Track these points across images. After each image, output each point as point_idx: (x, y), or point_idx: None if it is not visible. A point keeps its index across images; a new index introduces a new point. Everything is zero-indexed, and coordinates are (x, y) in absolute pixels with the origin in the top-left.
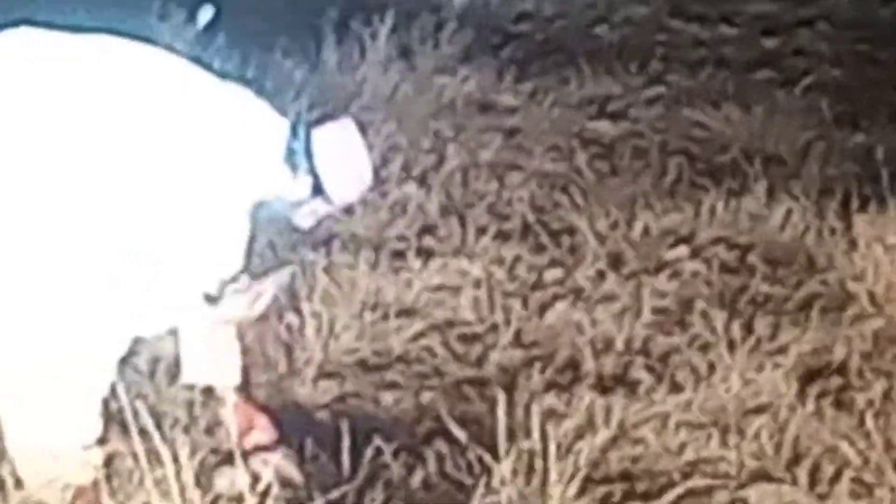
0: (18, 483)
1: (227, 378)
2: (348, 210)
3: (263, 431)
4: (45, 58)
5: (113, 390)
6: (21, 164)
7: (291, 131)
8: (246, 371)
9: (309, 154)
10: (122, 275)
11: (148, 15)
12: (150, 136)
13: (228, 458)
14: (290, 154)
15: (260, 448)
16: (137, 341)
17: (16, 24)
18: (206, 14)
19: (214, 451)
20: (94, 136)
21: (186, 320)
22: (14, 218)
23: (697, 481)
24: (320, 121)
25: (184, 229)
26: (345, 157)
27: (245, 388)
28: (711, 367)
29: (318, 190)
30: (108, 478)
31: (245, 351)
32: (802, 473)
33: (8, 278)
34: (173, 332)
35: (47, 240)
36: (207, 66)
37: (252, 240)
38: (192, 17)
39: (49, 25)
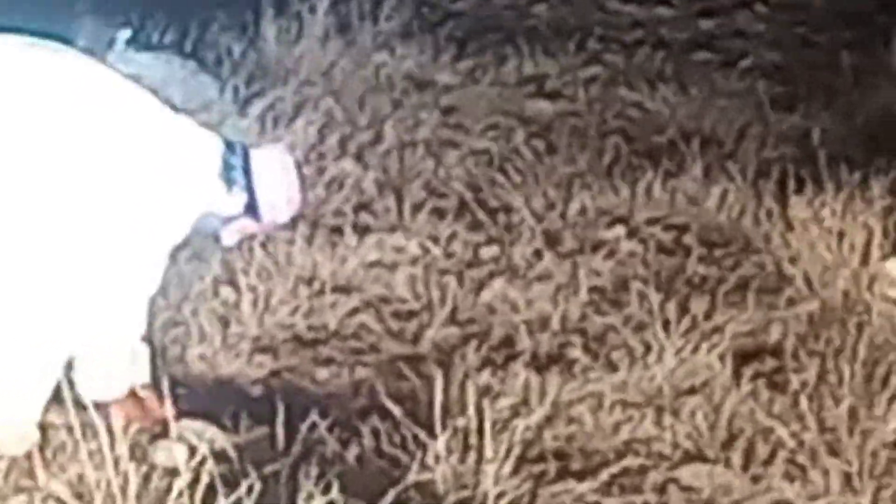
0: None
1: (118, 392)
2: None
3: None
4: None
5: None
6: None
7: (228, 147)
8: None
9: (247, 172)
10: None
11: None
12: (80, 150)
13: (164, 432)
14: (228, 169)
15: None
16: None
17: None
18: (122, 37)
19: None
20: (23, 145)
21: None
22: None
23: (631, 461)
24: (258, 94)
25: (112, 247)
26: (281, 179)
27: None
28: (647, 347)
29: (249, 208)
30: (42, 449)
31: (180, 323)
32: (736, 454)
33: None
34: None
35: None
36: (136, 78)
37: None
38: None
39: None
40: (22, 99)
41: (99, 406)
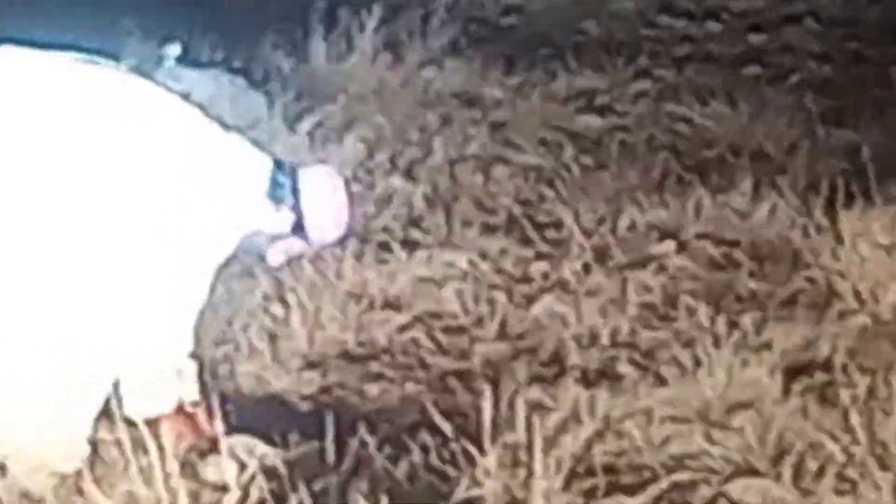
0: (3, 470)
1: (165, 407)
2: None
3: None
4: (29, 77)
5: None
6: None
7: (277, 166)
8: (203, 385)
9: (295, 191)
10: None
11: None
12: (127, 166)
13: (214, 447)
14: (276, 187)
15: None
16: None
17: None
18: (173, 51)
19: (200, 442)
20: (72, 161)
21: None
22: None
23: (681, 475)
24: (308, 110)
25: (159, 263)
26: (330, 199)
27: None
28: (697, 362)
29: (297, 228)
30: (93, 466)
31: (229, 340)
32: (786, 469)
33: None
34: None
35: (33, 263)
36: (185, 95)
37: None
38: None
39: (31, 44)
40: (71, 116)
41: (148, 423)
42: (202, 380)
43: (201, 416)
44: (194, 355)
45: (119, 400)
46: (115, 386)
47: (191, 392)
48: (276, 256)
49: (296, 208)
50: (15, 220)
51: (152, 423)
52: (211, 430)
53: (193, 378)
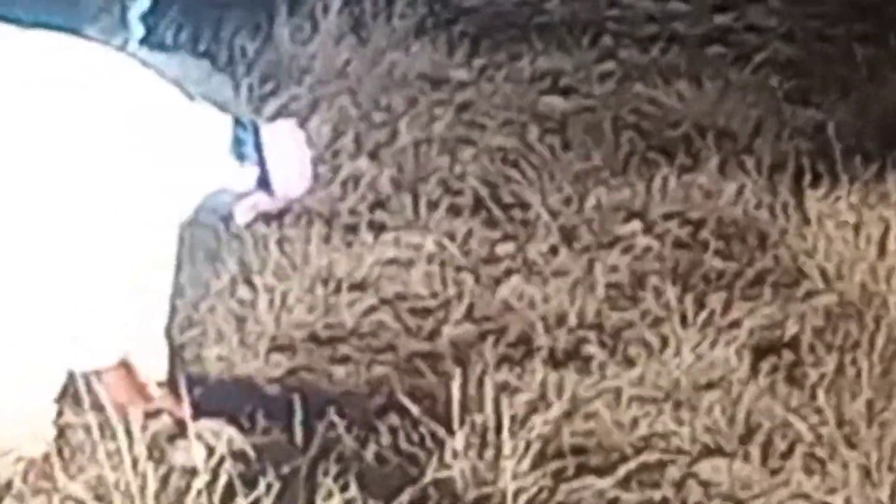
0: None
1: (104, 359)
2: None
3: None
4: None
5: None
6: None
7: (238, 124)
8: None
9: (258, 146)
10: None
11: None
12: (85, 129)
13: (182, 432)
14: (238, 144)
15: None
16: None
17: None
18: (140, 5)
19: (169, 426)
20: (35, 129)
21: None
22: None
23: (650, 456)
24: (273, 93)
25: (121, 222)
26: (292, 153)
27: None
28: (664, 342)
29: (262, 183)
30: (60, 450)
31: (196, 324)
32: (755, 448)
33: None
34: None
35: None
36: (144, 63)
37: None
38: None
39: None
40: (27, 83)
41: (92, 374)
42: (172, 361)
43: (167, 397)
44: (167, 334)
45: (85, 380)
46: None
47: (160, 371)
48: (243, 214)
49: (260, 163)
50: None
51: (95, 374)
52: (179, 412)
53: (164, 357)
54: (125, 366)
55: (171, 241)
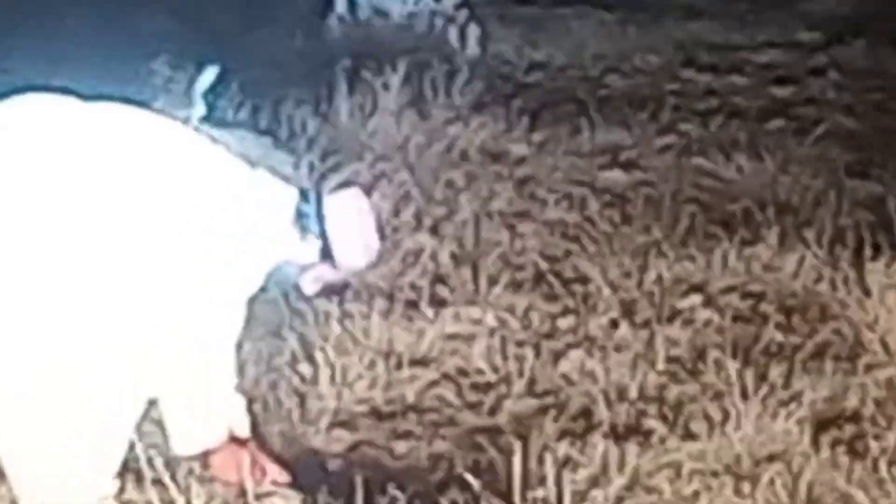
0: None
1: (215, 440)
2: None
3: (277, 475)
4: (53, 124)
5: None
6: (30, 225)
7: (302, 196)
8: (254, 420)
9: (320, 218)
10: (132, 340)
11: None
12: (156, 204)
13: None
14: (300, 217)
15: (274, 489)
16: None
17: (23, 90)
18: (209, 76)
19: (228, 500)
20: (103, 201)
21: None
22: (29, 278)
23: None
24: (333, 169)
25: (189, 298)
26: (355, 224)
27: (256, 436)
28: (725, 416)
29: (326, 254)
30: None
31: (258, 399)
32: None
33: (28, 339)
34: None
35: (62, 301)
36: (213, 138)
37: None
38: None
39: (59, 91)
40: (102, 156)
41: (199, 458)
42: (252, 413)
43: (255, 451)
44: (240, 389)
45: (147, 456)
46: (134, 441)
47: (242, 427)
48: (309, 285)
49: (322, 235)
50: (54, 260)
51: (202, 457)
52: (264, 467)
53: (243, 412)
54: (236, 441)
55: (241, 313)
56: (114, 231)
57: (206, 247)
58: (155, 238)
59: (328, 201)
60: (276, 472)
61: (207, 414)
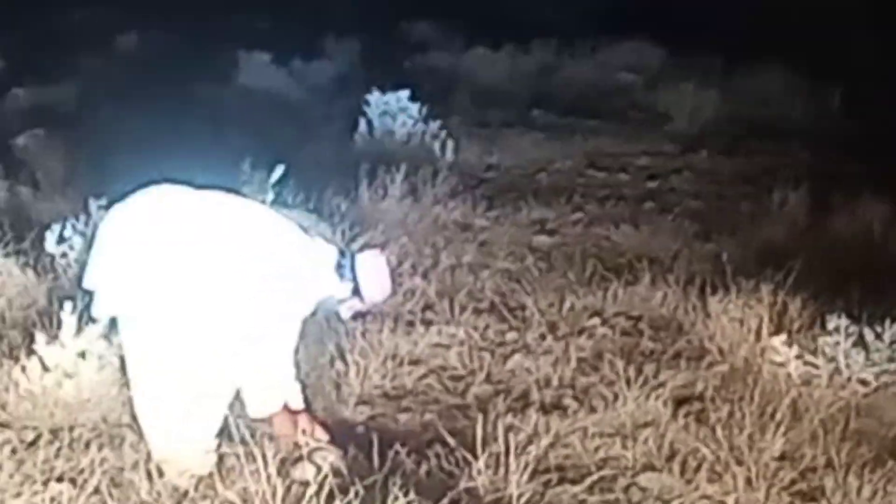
0: (160, 472)
1: (276, 408)
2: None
3: (321, 434)
4: (185, 202)
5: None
6: (169, 277)
7: (340, 253)
8: (306, 399)
9: (353, 269)
10: (230, 344)
11: (241, 173)
12: (251, 255)
13: (300, 458)
14: (339, 268)
15: (320, 445)
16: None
17: (158, 181)
18: (278, 172)
19: (291, 453)
20: (219, 254)
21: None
22: (177, 303)
23: (607, 472)
24: (357, 235)
25: (267, 318)
26: (376, 274)
27: (307, 409)
28: (615, 397)
29: (356, 292)
30: (220, 470)
31: (310, 386)
32: (676, 466)
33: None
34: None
35: (192, 321)
36: (284, 208)
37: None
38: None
39: (179, 182)
40: (216, 228)
41: (264, 420)
42: (304, 394)
43: (306, 420)
44: (297, 377)
45: (235, 423)
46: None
47: (297, 402)
48: (345, 312)
49: (354, 280)
50: (185, 301)
51: (267, 420)
52: (316, 434)
53: (299, 392)
54: (287, 410)
55: (299, 328)
56: (224, 273)
57: (280, 285)
58: (248, 277)
59: (358, 258)
60: (320, 433)
61: (273, 393)
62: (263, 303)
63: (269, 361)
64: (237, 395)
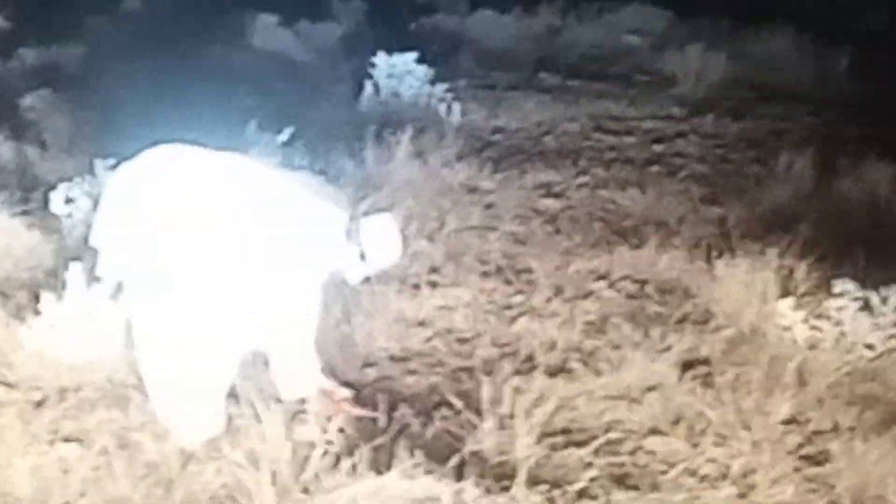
0: (168, 435)
1: (313, 386)
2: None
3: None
4: (196, 161)
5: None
6: (182, 230)
7: (350, 220)
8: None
9: (362, 233)
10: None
11: (248, 135)
12: (266, 220)
13: (304, 419)
14: (349, 234)
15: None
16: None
17: (168, 141)
18: (286, 133)
19: (297, 414)
20: (232, 218)
21: (276, 349)
22: (183, 269)
23: (612, 435)
24: (363, 197)
25: (284, 287)
26: (385, 238)
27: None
28: (621, 360)
29: (364, 257)
30: (228, 431)
31: (316, 350)
32: (681, 429)
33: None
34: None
35: (199, 283)
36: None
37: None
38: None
39: (187, 142)
40: (231, 184)
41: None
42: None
43: (337, 394)
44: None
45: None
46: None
47: (323, 380)
48: (354, 277)
49: (363, 244)
50: (192, 262)
51: (302, 401)
52: (355, 410)
53: (318, 368)
54: (323, 392)
55: (319, 294)
56: (239, 238)
57: (294, 249)
58: (266, 243)
59: (366, 222)
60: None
61: (305, 372)
62: (276, 269)
63: (295, 336)
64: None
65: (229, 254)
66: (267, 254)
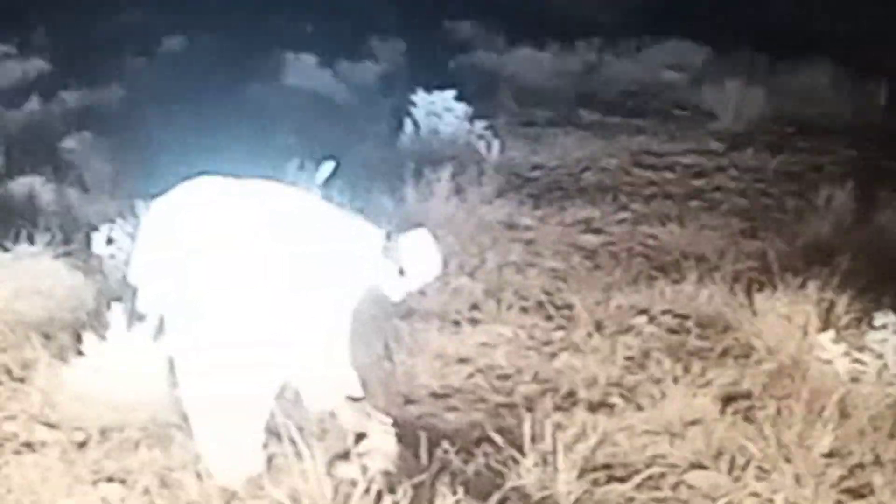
0: (210, 476)
1: (340, 397)
2: (423, 291)
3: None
4: (224, 196)
5: (272, 416)
6: (218, 264)
7: (387, 236)
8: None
9: (400, 250)
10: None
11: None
12: (305, 244)
13: (346, 456)
14: (386, 251)
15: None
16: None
17: (209, 173)
18: (327, 168)
19: (338, 452)
20: (271, 245)
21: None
22: (217, 297)
23: (654, 469)
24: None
25: (320, 305)
26: (423, 252)
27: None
28: (662, 395)
29: (404, 273)
30: (269, 470)
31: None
32: (723, 464)
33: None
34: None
35: (237, 315)
36: (330, 198)
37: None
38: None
39: (224, 174)
40: (266, 216)
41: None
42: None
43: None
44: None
45: (284, 423)
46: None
47: (357, 390)
48: (394, 294)
49: (402, 261)
50: (230, 294)
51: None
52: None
53: (356, 381)
54: (351, 401)
55: (350, 314)
56: (275, 258)
57: (329, 271)
58: (295, 265)
59: (404, 238)
60: (383, 416)
61: (332, 384)
62: (312, 290)
63: (325, 351)
64: (286, 394)
65: (266, 276)
66: (303, 272)
